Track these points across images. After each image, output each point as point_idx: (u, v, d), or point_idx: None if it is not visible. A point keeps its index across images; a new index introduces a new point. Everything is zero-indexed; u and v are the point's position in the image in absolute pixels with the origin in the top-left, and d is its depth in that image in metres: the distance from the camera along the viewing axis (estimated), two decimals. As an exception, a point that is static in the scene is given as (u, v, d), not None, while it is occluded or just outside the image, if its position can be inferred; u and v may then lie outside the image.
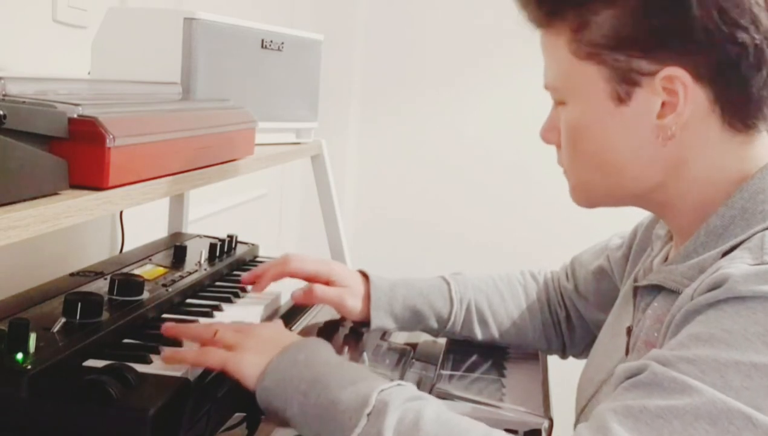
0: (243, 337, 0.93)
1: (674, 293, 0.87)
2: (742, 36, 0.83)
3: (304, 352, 0.89)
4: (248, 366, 0.89)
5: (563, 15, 0.89)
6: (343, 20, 2.80)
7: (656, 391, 0.72)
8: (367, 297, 1.19)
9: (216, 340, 0.93)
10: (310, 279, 1.19)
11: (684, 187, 0.89)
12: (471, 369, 1.20)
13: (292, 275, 1.20)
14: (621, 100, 0.87)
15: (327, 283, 1.19)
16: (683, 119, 0.86)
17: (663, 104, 0.86)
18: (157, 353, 0.92)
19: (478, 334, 1.23)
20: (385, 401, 0.81)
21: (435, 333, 1.25)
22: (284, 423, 0.87)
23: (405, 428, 0.78)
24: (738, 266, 0.76)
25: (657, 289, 0.91)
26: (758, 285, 0.73)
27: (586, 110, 0.90)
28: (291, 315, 1.23)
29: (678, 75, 0.84)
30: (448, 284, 1.23)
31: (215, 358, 0.91)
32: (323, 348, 0.92)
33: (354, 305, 1.19)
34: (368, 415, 0.80)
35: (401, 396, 0.82)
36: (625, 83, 0.87)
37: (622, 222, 1.22)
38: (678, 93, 0.85)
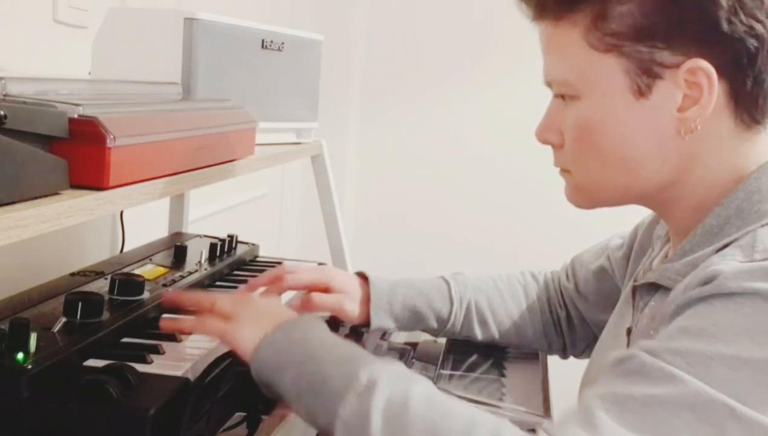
0: (240, 308, 0.95)
1: (669, 290, 0.87)
2: (759, 29, 0.83)
3: (299, 329, 0.90)
4: (244, 338, 0.90)
5: (581, 6, 0.87)
6: (343, 20, 2.80)
7: (642, 380, 0.73)
8: (366, 300, 1.18)
9: (214, 310, 0.95)
10: (308, 290, 1.18)
11: (692, 184, 0.89)
12: (471, 369, 1.20)
13: (288, 289, 1.18)
14: (641, 93, 0.86)
15: (325, 290, 1.17)
16: (707, 112, 0.85)
17: (683, 97, 0.85)
18: (158, 352, 0.92)
19: (478, 334, 1.23)
20: (374, 379, 0.81)
21: (435, 333, 1.25)
22: (277, 396, 0.88)
23: (394, 406, 0.78)
24: (728, 263, 0.77)
25: (654, 287, 0.92)
26: (747, 282, 0.74)
27: (603, 105, 0.88)
28: (291, 315, 1.23)
29: (702, 67, 0.83)
30: (448, 283, 1.23)
31: (212, 327, 0.93)
32: (318, 326, 0.93)
33: (353, 309, 1.18)
34: (357, 393, 0.80)
35: (391, 375, 0.82)
36: (647, 76, 0.85)
37: (621, 222, 1.22)
38: (702, 85, 0.84)
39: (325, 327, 0.93)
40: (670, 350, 0.74)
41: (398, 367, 0.85)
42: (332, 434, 0.81)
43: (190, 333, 0.95)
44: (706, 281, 0.76)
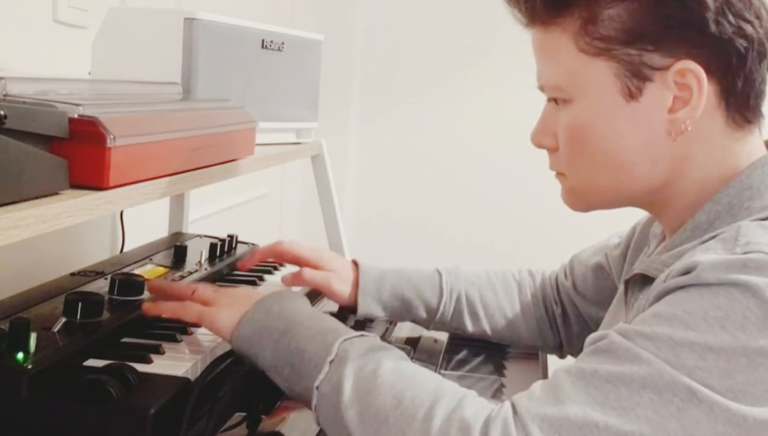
0: (219, 295, 0.99)
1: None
2: (748, 29, 0.84)
3: (278, 303, 0.94)
4: (223, 319, 0.94)
5: (570, 10, 0.88)
6: (343, 20, 2.80)
7: (610, 358, 0.75)
8: (356, 283, 1.21)
9: (194, 297, 1.00)
10: (299, 262, 1.22)
11: (684, 184, 0.89)
12: (471, 369, 1.20)
13: (281, 257, 1.24)
14: (632, 95, 0.87)
15: (316, 267, 1.21)
16: (697, 113, 0.85)
17: (674, 99, 0.86)
18: (158, 352, 0.93)
19: (469, 326, 1.23)
20: (346, 349, 0.85)
21: (426, 324, 1.25)
22: (257, 368, 0.91)
23: (364, 375, 0.81)
24: (709, 255, 0.77)
25: (642, 281, 0.92)
26: (724, 273, 0.74)
27: (594, 108, 0.89)
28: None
29: (691, 68, 0.84)
30: (440, 274, 1.24)
31: (191, 312, 0.98)
32: (296, 300, 0.96)
33: (341, 289, 1.20)
34: (330, 362, 0.84)
35: (363, 346, 0.85)
36: (637, 78, 0.86)
37: (621, 223, 1.22)
38: (691, 87, 0.85)
39: (303, 300, 0.97)
40: (641, 333, 0.75)
41: (370, 338, 0.89)
42: (309, 404, 0.85)
43: (170, 318, 0.99)
44: (685, 271, 0.77)
